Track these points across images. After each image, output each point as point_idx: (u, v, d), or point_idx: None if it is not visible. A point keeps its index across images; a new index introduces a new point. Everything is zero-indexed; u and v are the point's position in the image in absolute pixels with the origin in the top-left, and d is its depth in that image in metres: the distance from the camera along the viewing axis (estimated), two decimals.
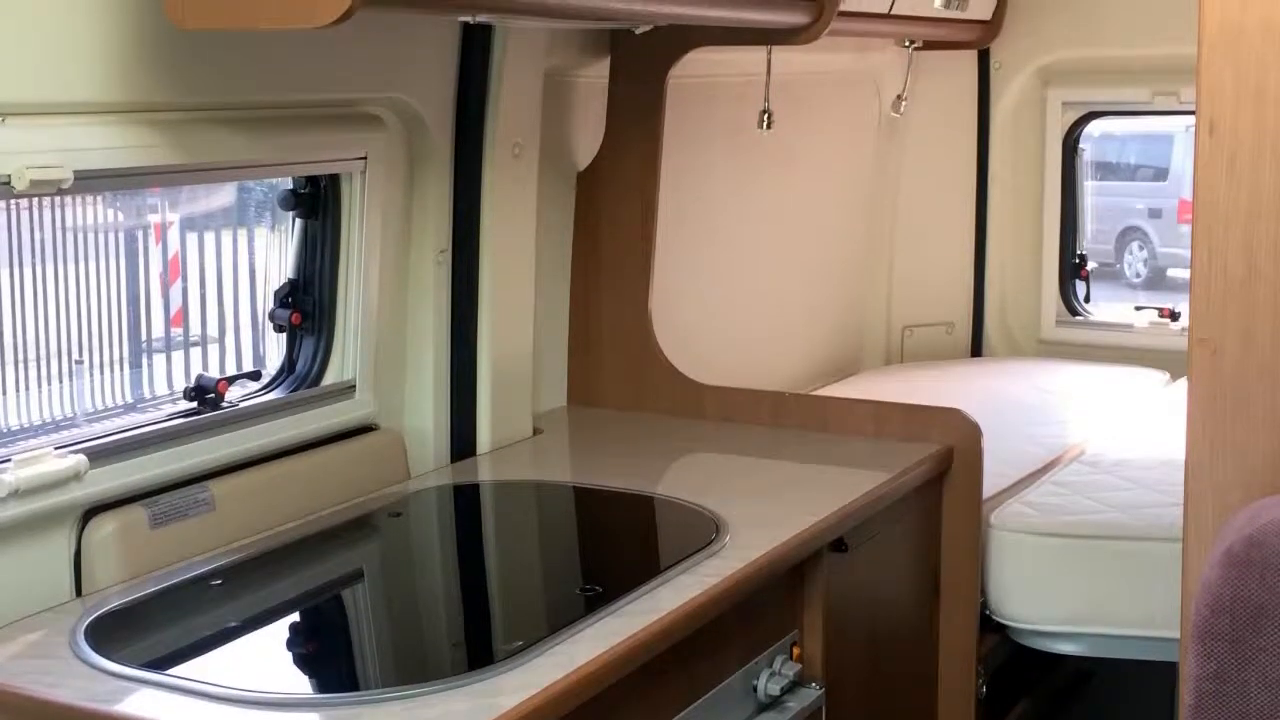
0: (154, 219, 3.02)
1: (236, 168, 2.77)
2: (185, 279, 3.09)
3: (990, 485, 3.42)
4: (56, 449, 2.42)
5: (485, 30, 3.11)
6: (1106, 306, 5.27)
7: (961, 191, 4.98)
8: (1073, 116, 4.92)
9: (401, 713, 2.02)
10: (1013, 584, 3.34)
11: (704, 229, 4.05)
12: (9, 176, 2.24)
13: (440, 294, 3.18)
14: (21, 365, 2.65)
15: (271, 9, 2.17)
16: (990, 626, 3.40)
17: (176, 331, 3.07)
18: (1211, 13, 2.37)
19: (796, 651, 2.80)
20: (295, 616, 2.55)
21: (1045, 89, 4.87)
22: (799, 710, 2.73)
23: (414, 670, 2.30)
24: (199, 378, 2.75)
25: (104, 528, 2.47)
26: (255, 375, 2.93)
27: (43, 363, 2.71)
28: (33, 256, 2.68)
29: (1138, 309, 5.04)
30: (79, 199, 2.74)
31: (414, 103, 3.02)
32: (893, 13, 3.91)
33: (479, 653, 2.40)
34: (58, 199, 2.59)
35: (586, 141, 3.64)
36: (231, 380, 2.80)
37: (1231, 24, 2.36)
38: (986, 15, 4.61)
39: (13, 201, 2.48)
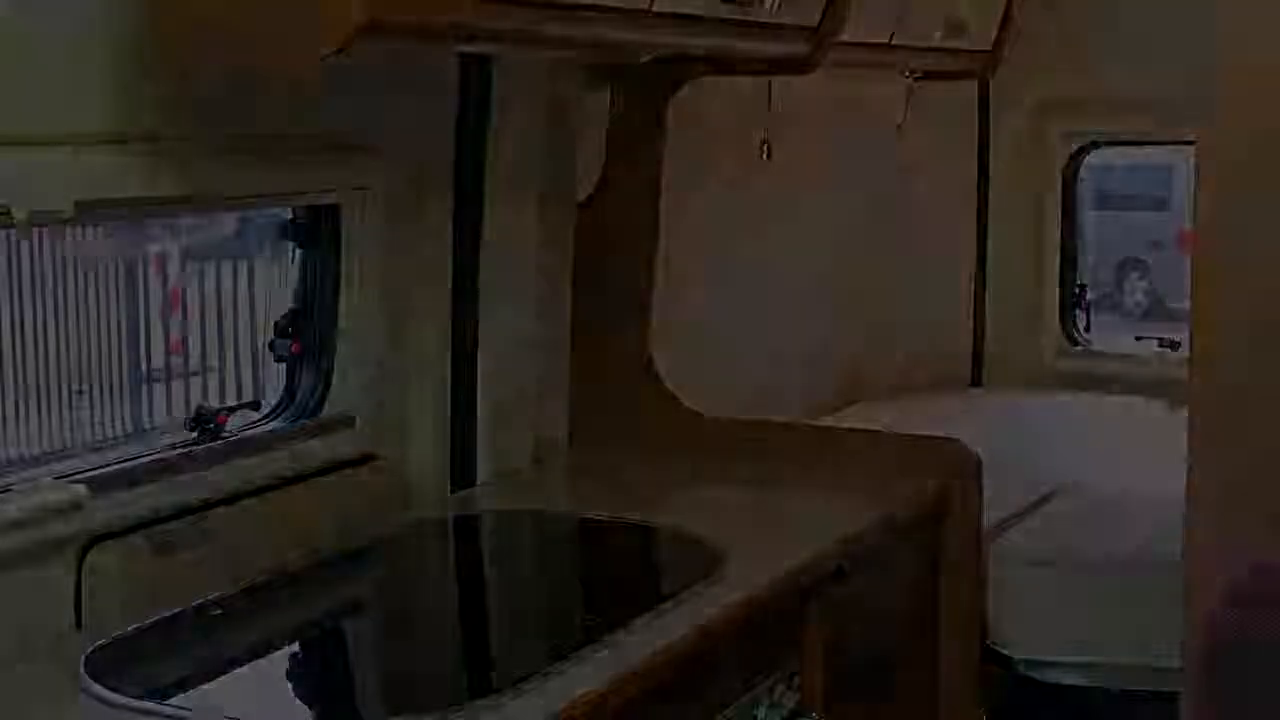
0: (154, 249, 3.02)
1: (237, 198, 2.78)
2: (185, 309, 3.09)
3: (990, 515, 3.41)
4: (56, 479, 2.42)
5: (485, 61, 3.12)
6: (1107, 336, 5.27)
7: (962, 221, 4.98)
8: (1073, 147, 4.93)
9: None
10: (1013, 615, 3.34)
11: (704, 259, 4.05)
12: (9, 207, 2.24)
13: (441, 325, 3.18)
14: (22, 395, 2.66)
15: (271, 42, 2.17)
16: (991, 657, 3.39)
17: (176, 361, 3.07)
18: (1222, 49, 2.38)
19: (796, 682, 2.79)
20: (296, 647, 2.54)
21: (1045, 119, 4.88)
22: None
23: (414, 700, 2.29)
24: (199, 408, 2.75)
25: (104, 558, 2.46)
26: (255, 405, 2.93)
27: (43, 392, 2.71)
28: (33, 287, 2.68)
29: (1138, 339, 5.04)
30: (79, 229, 2.75)
31: (414, 133, 3.02)
32: (893, 43, 3.91)
33: (479, 683, 2.40)
34: (58, 229, 2.59)
35: (587, 171, 3.64)
36: (231, 410, 2.80)
37: (1239, 61, 2.37)
38: (987, 46, 4.61)
39: (13, 232, 2.48)
